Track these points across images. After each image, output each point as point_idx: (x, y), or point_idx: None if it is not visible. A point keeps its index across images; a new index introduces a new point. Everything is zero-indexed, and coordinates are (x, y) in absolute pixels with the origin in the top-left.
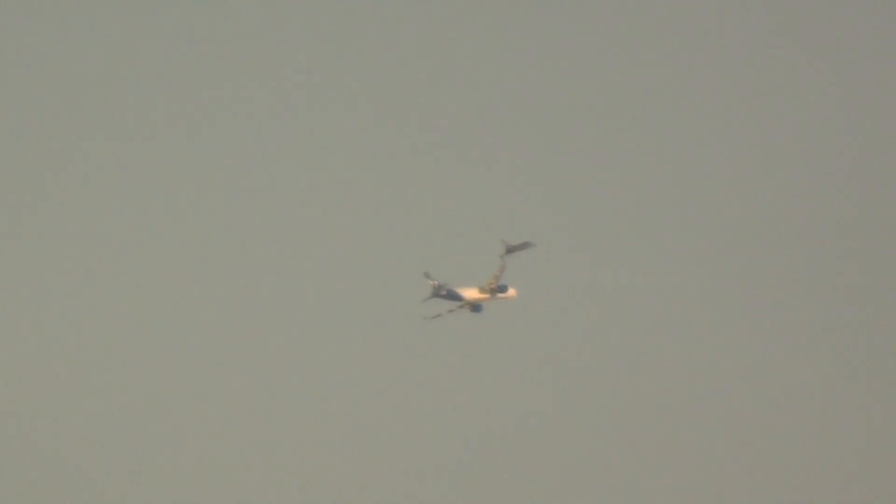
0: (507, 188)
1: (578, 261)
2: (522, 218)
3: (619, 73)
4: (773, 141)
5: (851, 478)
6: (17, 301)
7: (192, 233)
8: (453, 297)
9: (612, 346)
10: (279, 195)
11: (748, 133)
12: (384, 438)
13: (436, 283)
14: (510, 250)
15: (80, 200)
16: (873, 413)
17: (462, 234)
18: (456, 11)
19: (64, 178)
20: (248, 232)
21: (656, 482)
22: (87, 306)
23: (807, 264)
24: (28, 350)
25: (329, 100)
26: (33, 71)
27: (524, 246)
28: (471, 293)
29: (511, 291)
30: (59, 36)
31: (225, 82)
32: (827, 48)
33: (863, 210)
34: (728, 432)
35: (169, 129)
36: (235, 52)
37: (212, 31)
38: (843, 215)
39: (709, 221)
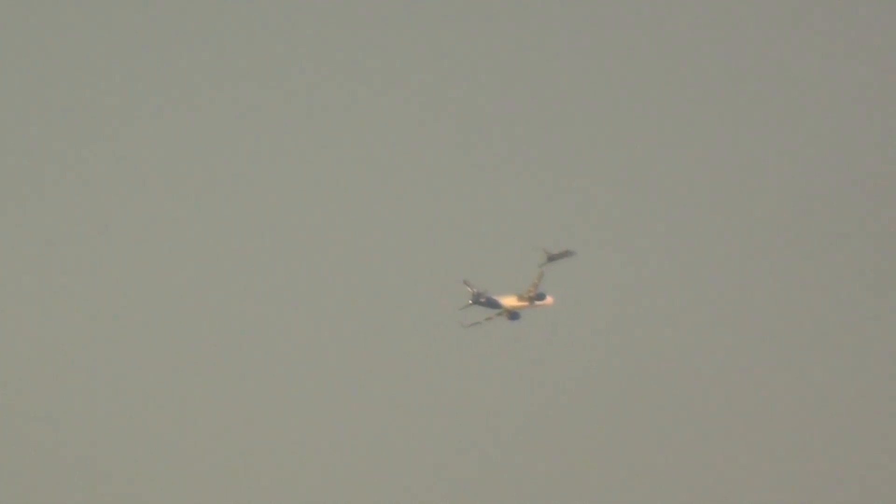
0: (547, 197)
1: (615, 268)
2: (562, 226)
3: (657, 83)
4: (807, 152)
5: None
6: (18, 301)
7: (220, 238)
8: (492, 304)
9: (645, 353)
10: (320, 203)
11: (784, 145)
12: (420, 443)
13: (475, 290)
14: (551, 259)
15: (84, 201)
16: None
17: (500, 242)
18: (500, 17)
19: (64, 178)
20: (289, 239)
21: (687, 484)
22: (107, 308)
23: (840, 275)
24: (29, 350)
25: (368, 105)
26: (33, 71)
27: (565, 254)
28: (509, 301)
29: (548, 299)
30: (59, 36)
31: (260, 86)
32: (833, 47)
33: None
34: (766, 437)
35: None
36: (268, 55)
37: (246, 33)
38: (858, 220)
39: (749, 232)
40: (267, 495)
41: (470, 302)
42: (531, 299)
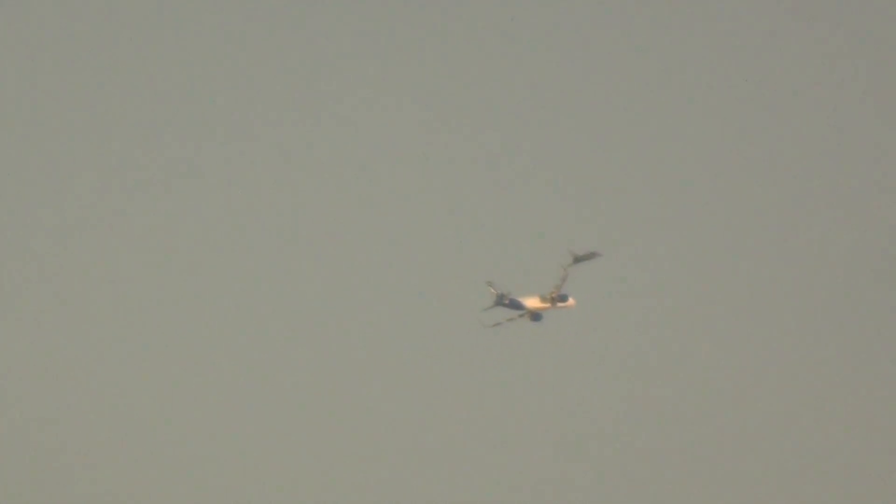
0: (572, 197)
1: (638, 270)
2: (587, 227)
3: (684, 86)
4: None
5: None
6: (21, 303)
7: (241, 240)
8: (515, 305)
9: (666, 355)
10: (342, 204)
11: (809, 148)
12: (442, 443)
13: (499, 292)
14: (577, 260)
15: (85, 200)
16: None
17: (523, 242)
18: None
19: (70, 178)
20: (310, 241)
21: (705, 488)
22: (111, 310)
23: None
24: (34, 353)
25: (391, 104)
26: (34, 71)
27: (591, 256)
28: (532, 302)
29: (570, 301)
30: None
31: (275, 93)
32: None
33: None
34: (790, 442)
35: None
36: (284, 60)
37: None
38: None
39: (777, 236)
40: (285, 499)
41: (494, 303)
42: (554, 300)
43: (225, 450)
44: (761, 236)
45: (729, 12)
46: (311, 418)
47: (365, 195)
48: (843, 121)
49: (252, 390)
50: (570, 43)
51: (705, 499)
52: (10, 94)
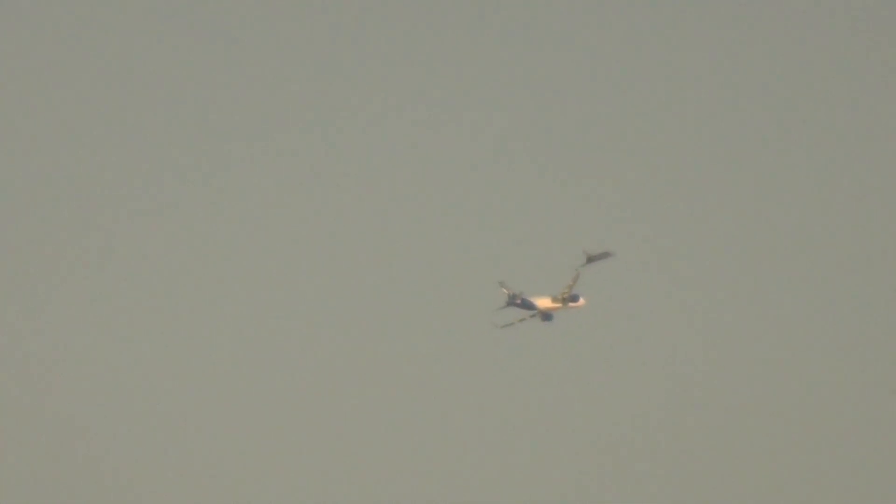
0: (584, 197)
1: (649, 271)
2: (598, 227)
3: (697, 85)
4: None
5: None
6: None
7: (250, 242)
8: (527, 305)
9: (674, 355)
10: (357, 205)
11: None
12: (455, 443)
13: (511, 292)
14: (591, 260)
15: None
16: None
17: (535, 242)
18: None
19: (72, 179)
20: (327, 240)
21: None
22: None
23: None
24: (33, 353)
25: (404, 104)
26: (36, 72)
27: (604, 256)
28: (543, 302)
29: (581, 301)
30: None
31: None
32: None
33: None
34: (802, 448)
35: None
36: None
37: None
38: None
39: (788, 236)
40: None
41: (506, 303)
42: (565, 301)
43: (240, 453)
44: (775, 237)
45: (734, 12)
46: (327, 419)
47: (378, 196)
48: (848, 122)
49: (268, 393)
50: (590, 41)
51: (716, 498)
52: (11, 94)
